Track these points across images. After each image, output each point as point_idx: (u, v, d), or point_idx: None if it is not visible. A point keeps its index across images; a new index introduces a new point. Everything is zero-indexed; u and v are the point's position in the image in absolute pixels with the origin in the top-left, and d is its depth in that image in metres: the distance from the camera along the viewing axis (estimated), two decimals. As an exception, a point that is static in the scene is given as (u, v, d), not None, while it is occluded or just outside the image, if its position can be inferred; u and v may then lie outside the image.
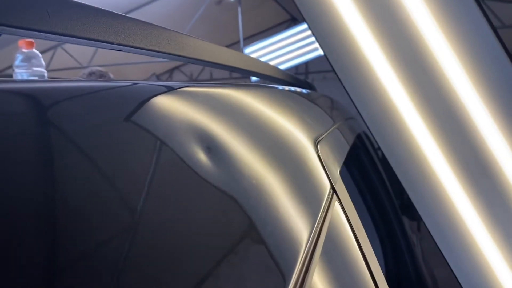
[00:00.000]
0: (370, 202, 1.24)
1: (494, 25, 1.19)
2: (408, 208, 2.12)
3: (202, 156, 0.34)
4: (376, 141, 1.51)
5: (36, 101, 0.25)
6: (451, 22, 1.21)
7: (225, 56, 0.67)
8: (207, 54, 0.62)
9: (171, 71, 10.01)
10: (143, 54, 0.50)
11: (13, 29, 0.32)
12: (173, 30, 0.55)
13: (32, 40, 1.70)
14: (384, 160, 1.58)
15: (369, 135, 1.86)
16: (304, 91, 1.13)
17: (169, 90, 0.41)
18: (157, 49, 0.50)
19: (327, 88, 2.20)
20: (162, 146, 0.31)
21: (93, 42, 0.39)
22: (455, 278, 1.45)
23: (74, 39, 0.36)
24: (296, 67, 6.36)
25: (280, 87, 0.96)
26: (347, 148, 0.93)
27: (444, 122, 1.29)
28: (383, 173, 1.66)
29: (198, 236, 0.28)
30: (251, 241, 0.33)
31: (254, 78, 5.89)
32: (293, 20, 8.03)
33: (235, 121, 0.48)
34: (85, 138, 0.25)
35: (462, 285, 1.45)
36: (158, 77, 9.37)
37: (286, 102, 0.75)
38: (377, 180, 1.44)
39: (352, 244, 0.53)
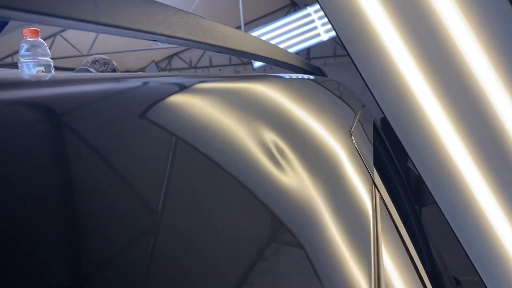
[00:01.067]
0: (395, 192, 1.23)
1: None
2: (414, 194, 2.12)
3: (238, 158, 0.32)
4: (387, 128, 1.49)
5: (48, 111, 0.22)
6: (473, 6, 1.18)
7: (255, 44, 0.64)
8: (238, 42, 0.59)
9: (170, 57, 9.94)
10: (180, 45, 0.48)
11: (61, 20, 0.29)
12: (206, 18, 0.53)
13: (37, 28, 1.67)
14: (393, 146, 1.56)
15: (378, 121, 1.84)
16: (321, 78, 1.10)
17: (186, 86, 0.37)
18: (193, 38, 0.48)
19: (328, 73, 2.17)
20: (186, 147, 0.28)
21: (138, 33, 0.36)
22: (471, 263, 1.44)
23: (121, 30, 0.34)
24: (297, 52, 6.30)
25: (300, 76, 0.93)
26: (371, 137, 0.91)
27: (463, 108, 1.27)
28: (396, 160, 1.65)
29: (235, 246, 0.25)
30: (311, 251, 0.31)
31: (256, 64, 5.84)
32: (293, 5, 7.94)
33: (269, 116, 0.46)
34: (107, 146, 0.22)
35: (478, 269, 1.45)
36: (157, 64, 9.31)
37: (313, 92, 0.73)
38: (393, 168, 1.43)
39: (397, 239, 0.51)
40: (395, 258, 0.44)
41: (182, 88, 0.35)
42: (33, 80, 0.27)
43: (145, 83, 0.33)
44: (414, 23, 1.27)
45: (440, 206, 1.41)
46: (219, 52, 0.63)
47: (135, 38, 0.39)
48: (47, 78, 0.29)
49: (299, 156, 0.42)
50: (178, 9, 0.45)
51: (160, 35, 0.40)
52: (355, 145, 0.60)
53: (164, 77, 0.38)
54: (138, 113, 0.27)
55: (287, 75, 0.78)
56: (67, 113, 0.22)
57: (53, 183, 0.18)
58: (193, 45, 0.49)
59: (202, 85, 0.39)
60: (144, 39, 0.40)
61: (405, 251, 0.50)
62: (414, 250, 0.59)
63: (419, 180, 1.47)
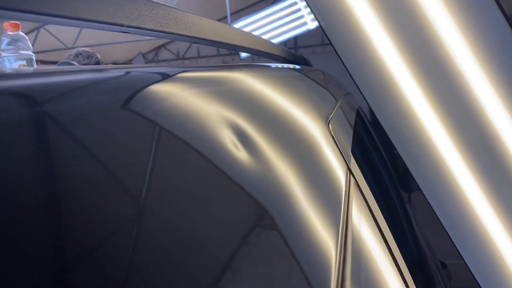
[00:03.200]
0: (376, 178, 1.24)
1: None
2: (402, 180, 2.14)
3: (213, 145, 0.32)
4: (371, 116, 1.50)
5: (29, 102, 0.22)
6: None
7: (232, 34, 0.64)
8: (213, 33, 0.59)
9: (157, 49, 9.86)
10: (151, 36, 0.48)
11: (22, 14, 0.29)
12: (178, 9, 0.52)
13: (18, 22, 1.65)
14: (380, 134, 1.58)
15: (365, 110, 1.85)
16: (303, 67, 1.10)
17: (168, 76, 0.37)
18: (165, 29, 0.47)
19: (316, 62, 2.17)
20: (166, 136, 0.29)
21: (104, 25, 0.36)
22: (454, 247, 1.47)
23: (85, 23, 0.34)
24: (285, 42, 6.28)
25: (281, 65, 0.94)
26: (352, 125, 0.92)
27: (446, 96, 1.28)
28: (381, 147, 1.66)
29: (212, 232, 0.26)
30: (283, 237, 0.31)
31: (243, 55, 5.82)
32: (280, -7, 7.90)
33: (245, 105, 0.46)
34: (89, 139, 0.23)
35: (461, 253, 1.47)
36: (144, 55, 9.23)
37: (292, 81, 0.73)
38: (377, 155, 1.44)
39: (373, 226, 0.52)
40: (367, 243, 0.45)
41: (162, 78, 0.35)
42: (12, 73, 0.27)
43: (125, 74, 0.33)
44: (398, 11, 1.28)
45: (424, 192, 1.43)
46: (196, 43, 0.63)
47: (102, 30, 0.39)
48: (27, 71, 0.28)
49: (271, 144, 0.42)
50: (149, 0, 0.45)
51: (128, 27, 0.40)
52: (331, 132, 0.60)
53: (145, 68, 0.38)
54: (119, 104, 0.27)
55: (268, 65, 0.78)
56: (47, 105, 0.22)
57: (34, 175, 0.18)
58: (166, 36, 0.49)
59: (181, 75, 0.39)
60: (113, 31, 0.40)
61: (379, 235, 0.51)
62: (391, 235, 0.60)
63: (406, 167, 1.48)
